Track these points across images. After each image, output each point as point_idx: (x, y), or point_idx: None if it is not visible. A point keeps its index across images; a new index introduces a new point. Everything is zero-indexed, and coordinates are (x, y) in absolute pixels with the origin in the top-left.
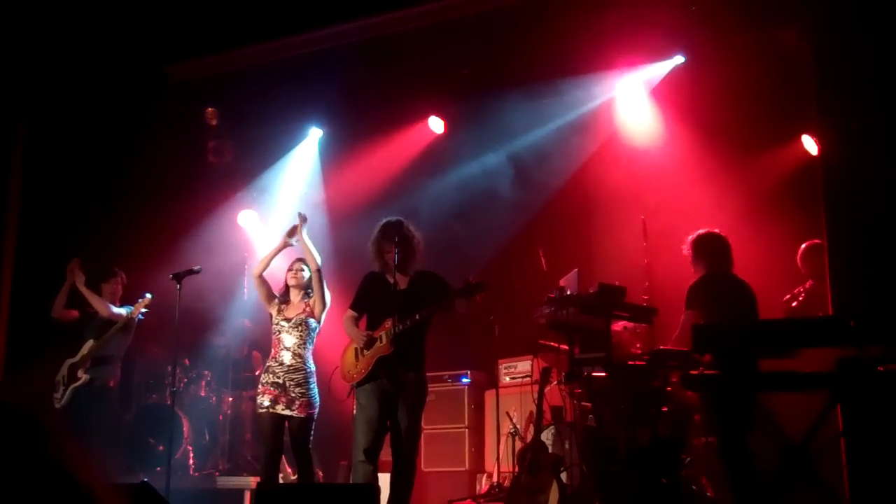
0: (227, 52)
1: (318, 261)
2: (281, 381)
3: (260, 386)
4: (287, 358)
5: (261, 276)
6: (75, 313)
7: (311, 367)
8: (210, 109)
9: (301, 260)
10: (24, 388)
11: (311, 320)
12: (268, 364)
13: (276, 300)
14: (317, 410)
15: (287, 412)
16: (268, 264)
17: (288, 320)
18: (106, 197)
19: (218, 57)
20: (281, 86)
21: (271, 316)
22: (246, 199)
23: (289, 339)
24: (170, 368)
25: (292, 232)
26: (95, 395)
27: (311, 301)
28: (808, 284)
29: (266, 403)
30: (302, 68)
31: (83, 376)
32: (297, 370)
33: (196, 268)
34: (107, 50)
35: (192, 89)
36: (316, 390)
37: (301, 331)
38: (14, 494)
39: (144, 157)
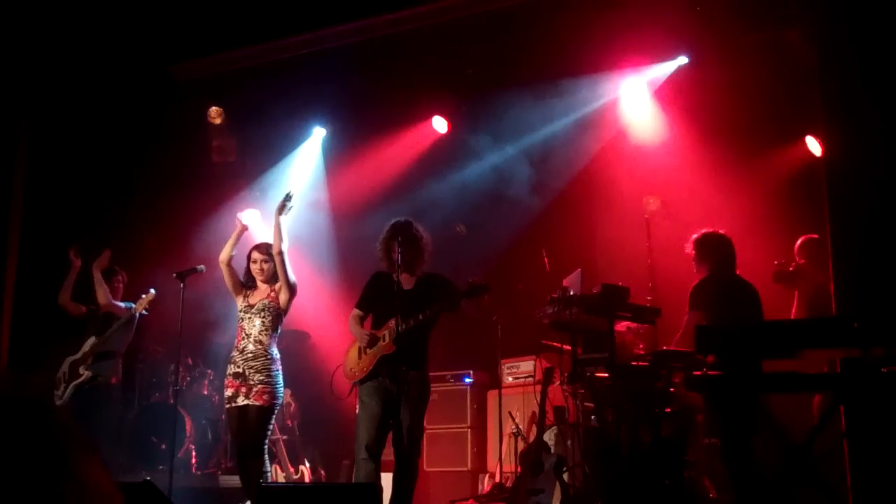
0: (231, 51)
1: (283, 244)
2: (241, 369)
3: (226, 379)
4: (249, 346)
5: (228, 264)
6: (82, 308)
7: (274, 354)
8: (214, 108)
9: (258, 249)
10: (29, 384)
11: (274, 305)
12: (231, 355)
13: (243, 288)
14: (278, 402)
15: (245, 401)
16: (232, 250)
17: (252, 307)
18: (109, 196)
19: (222, 56)
20: (285, 85)
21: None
22: (249, 198)
23: (251, 325)
24: (172, 367)
25: (282, 208)
26: (97, 392)
27: (277, 286)
28: (801, 260)
29: (229, 396)
30: (306, 67)
31: (85, 373)
32: (256, 357)
33: (199, 267)
34: (112, 49)
35: (197, 88)
36: (279, 380)
37: (264, 317)
38: (21, 487)
39: (148, 156)
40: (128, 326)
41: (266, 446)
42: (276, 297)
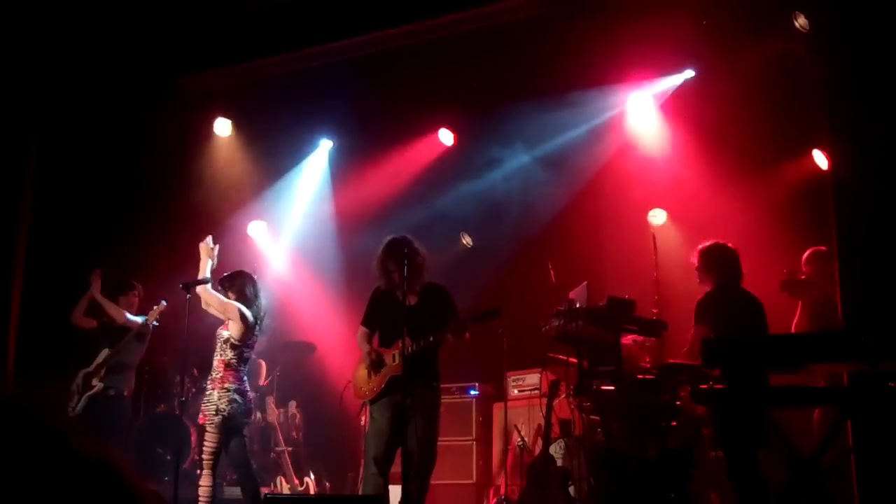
0: (238, 63)
1: (201, 274)
2: None
3: None
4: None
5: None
6: (93, 323)
7: (217, 376)
8: None
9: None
10: (39, 397)
11: (223, 331)
12: None
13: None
14: (212, 418)
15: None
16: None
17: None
18: (117, 208)
19: (229, 69)
20: (292, 97)
21: None
22: (256, 210)
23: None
24: (178, 378)
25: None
26: (110, 403)
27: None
28: (808, 271)
29: None
30: (313, 80)
31: (98, 384)
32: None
33: (206, 277)
34: (119, 62)
35: (204, 101)
36: (214, 399)
37: (215, 342)
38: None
39: (156, 167)
40: (140, 339)
41: (209, 460)
42: (227, 324)
